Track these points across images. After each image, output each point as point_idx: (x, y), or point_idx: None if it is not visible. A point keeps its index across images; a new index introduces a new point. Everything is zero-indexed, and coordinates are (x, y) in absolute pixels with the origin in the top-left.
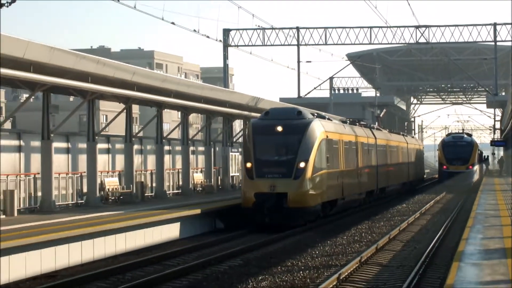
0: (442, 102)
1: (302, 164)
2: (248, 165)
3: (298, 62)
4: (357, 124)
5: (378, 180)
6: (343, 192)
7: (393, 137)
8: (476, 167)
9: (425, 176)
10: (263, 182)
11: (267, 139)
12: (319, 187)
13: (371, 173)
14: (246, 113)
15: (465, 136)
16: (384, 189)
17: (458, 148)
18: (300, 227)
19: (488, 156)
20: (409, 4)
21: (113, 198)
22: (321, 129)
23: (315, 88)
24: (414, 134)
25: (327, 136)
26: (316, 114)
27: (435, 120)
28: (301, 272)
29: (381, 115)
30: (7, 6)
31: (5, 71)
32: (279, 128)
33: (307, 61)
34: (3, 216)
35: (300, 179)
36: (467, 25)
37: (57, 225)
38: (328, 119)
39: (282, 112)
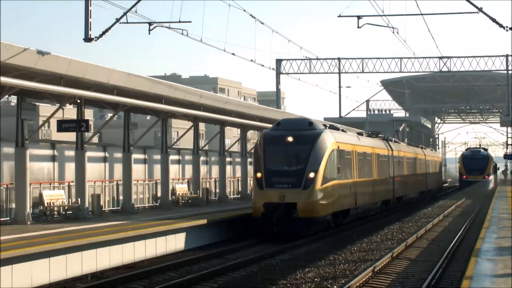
0: (462, 121)
1: (311, 175)
2: (258, 175)
3: (339, 87)
4: (374, 136)
5: (395, 189)
6: (356, 201)
7: (410, 149)
8: (491, 177)
9: (447, 184)
10: (272, 192)
11: (277, 149)
12: (329, 197)
13: (387, 182)
14: None
15: (482, 150)
16: (401, 198)
17: (475, 161)
18: (310, 237)
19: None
20: (433, 38)
21: (182, 201)
22: (331, 139)
23: (353, 109)
24: (438, 149)
25: (338, 147)
26: (328, 125)
27: (456, 137)
28: (341, 265)
29: (400, 129)
30: (96, 40)
31: (94, 94)
32: (290, 139)
33: (347, 87)
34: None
35: (309, 189)
36: (483, 56)
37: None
38: (342, 130)
39: (293, 122)
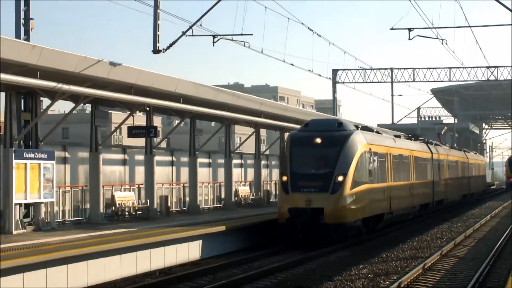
0: (509, 127)
1: (340, 178)
2: (284, 178)
3: (392, 95)
4: (413, 139)
5: (435, 192)
6: (391, 206)
7: (452, 153)
8: None
9: (494, 186)
10: (298, 197)
11: (304, 151)
12: (359, 202)
13: (426, 186)
14: None
15: None
16: (442, 201)
17: None
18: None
19: None
20: (480, 49)
21: (244, 202)
22: (362, 141)
23: (405, 116)
24: (486, 153)
25: (370, 149)
26: (360, 127)
27: (503, 142)
28: (393, 262)
29: (442, 133)
30: (163, 52)
31: (162, 102)
32: (317, 140)
33: (399, 95)
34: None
35: (338, 193)
36: None
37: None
38: (377, 132)
39: (322, 123)
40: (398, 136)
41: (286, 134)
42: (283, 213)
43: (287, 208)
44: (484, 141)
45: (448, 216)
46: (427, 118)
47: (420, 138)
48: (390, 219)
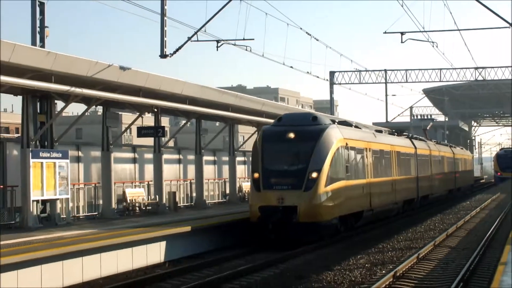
0: (496, 124)
1: (314, 174)
2: (255, 175)
3: (386, 95)
4: (396, 135)
5: (419, 188)
6: (371, 203)
7: (438, 148)
8: None
9: (483, 180)
10: (270, 194)
11: (276, 147)
12: (336, 199)
13: (410, 181)
14: None
15: None
16: (427, 196)
17: (508, 159)
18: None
19: None
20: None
21: (248, 197)
22: (338, 136)
23: (398, 115)
24: (475, 149)
25: (346, 144)
26: (337, 121)
27: (491, 138)
28: (389, 252)
29: (427, 128)
30: (170, 56)
31: (169, 104)
32: (290, 135)
33: (392, 95)
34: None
35: (311, 190)
36: None
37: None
38: (356, 127)
39: (296, 117)
40: (380, 131)
41: None
42: (254, 212)
43: (258, 206)
44: (473, 138)
45: (440, 208)
46: (419, 117)
47: (404, 133)
48: (370, 216)
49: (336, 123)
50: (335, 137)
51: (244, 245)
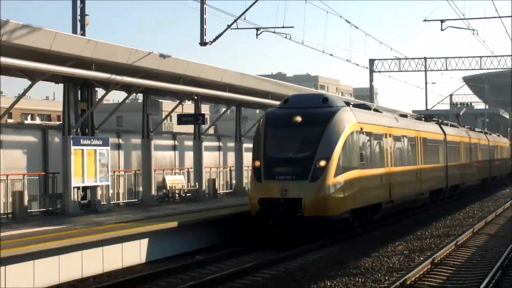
0: None
1: (322, 163)
2: (257, 163)
3: (426, 83)
4: (423, 119)
5: (449, 177)
6: (390, 194)
7: (470, 134)
8: None
9: None
10: (272, 185)
11: (280, 131)
12: (347, 191)
13: (438, 170)
14: None
15: None
16: (458, 186)
17: None
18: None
19: None
20: (510, 38)
21: None
22: (352, 119)
23: (438, 103)
24: None
25: (361, 129)
26: (352, 103)
27: None
28: (427, 239)
29: (460, 114)
30: (210, 44)
31: (209, 91)
32: (297, 118)
33: (432, 83)
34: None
35: (319, 181)
36: None
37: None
38: (376, 110)
39: (305, 99)
40: (405, 116)
41: None
42: (254, 205)
43: (258, 198)
44: None
45: (479, 196)
46: (459, 105)
47: (434, 119)
48: (390, 208)
49: (350, 105)
50: (348, 121)
51: None
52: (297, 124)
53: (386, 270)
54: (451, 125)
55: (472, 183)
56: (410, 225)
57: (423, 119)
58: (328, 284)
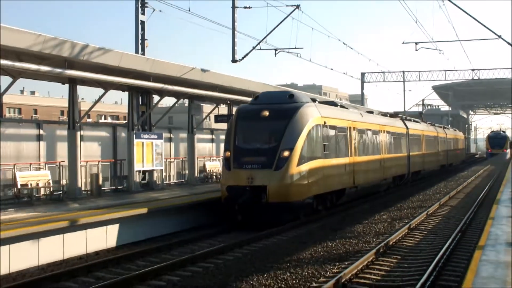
0: (488, 113)
1: (286, 153)
2: (227, 154)
3: (404, 91)
4: (388, 116)
5: (411, 165)
6: (354, 180)
7: (430, 129)
8: (508, 151)
9: (477, 156)
10: (240, 174)
11: (250, 125)
12: (310, 178)
13: (401, 159)
14: None
15: (502, 132)
16: (419, 172)
17: (497, 139)
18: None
19: None
20: (467, 56)
21: None
22: (315, 114)
23: (413, 106)
24: (471, 132)
25: (325, 123)
26: (318, 100)
27: (484, 123)
28: (405, 210)
29: (423, 112)
30: (239, 61)
31: (238, 97)
32: (264, 113)
33: (409, 90)
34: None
35: (282, 169)
36: (505, 68)
37: None
38: (343, 106)
39: (273, 96)
40: (371, 112)
41: None
42: (223, 192)
43: (226, 186)
44: (470, 123)
45: (444, 177)
46: (429, 107)
47: (399, 116)
48: (353, 193)
49: (316, 101)
50: (311, 115)
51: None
52: (264, 118)
53: (374, 234)
54: (414, 121)
55: (432, 169)
56: (392, 199)
57: (388, 115)
58: (330, 244)
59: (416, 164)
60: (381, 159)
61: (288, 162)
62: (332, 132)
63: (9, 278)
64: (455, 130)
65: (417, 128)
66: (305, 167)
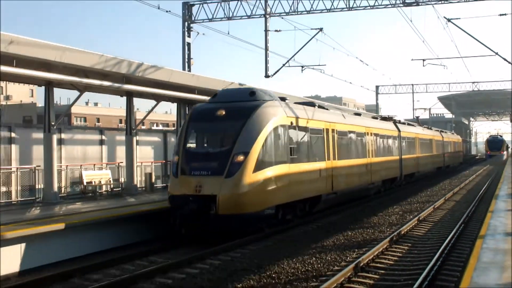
0: (486, 119)
1: (240, 157)
2: (175, 158)
3: (413, 101)
4: (378, 119)
5: (403, 167)
6: (332, 186)
7: (425, 132)
8: (505, 153)
9: (478, 157)
10: (188, 181)
11: (202, 126)
12: (270, 185)
13: (392, 162)
14: None
15: (499, 136)
16: (413, 174)
17: (495, 143)
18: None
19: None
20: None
21: None
22: (279, 113)
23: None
24: (472, 136)
25: (292, 123)
26: (287, 99)
27: (483, 129)
28: (415, 204)
29: (419, 117)
30: (271, 77)
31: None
32: (220, 112)
33: (417, 100)
34: None
35: (235, 176)
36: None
37: None
38: (321, 107)
39: (233, 93)
40: (359, 114)
41: None
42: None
43: (170, 195)
44: (471, 129)
45: (449, 175)
46: (435, 115)
47: (393, 119)
48: (332, 199)
49: (286, 100)
50: (273, 114)
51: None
52: (219, 118)
53: (388, 224)
54: (409, 124)
55: (427, 171)
56: (403, 195)
57: (379, 118)
58: (350, 233)
59: (410, 167)
60: (368, 162)
61: (243, 168)
62: (302, 134)
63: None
64: (453, 133)
65: (411, 131)
66: (265, 173)
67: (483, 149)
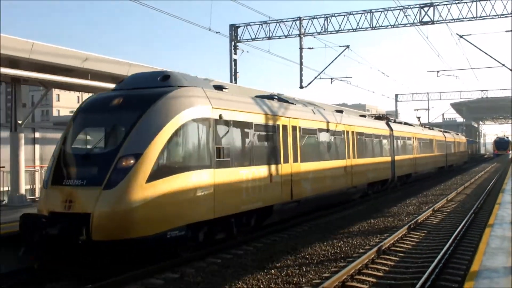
0: (494, 123)
1: (128, 161)
2: (50, 163)
3: (428, 108)
4: (366, 117)
5: (396, 168)
6: (292, 193)
7: (425, 132)
8: (510, 152)
9: (486, 156)
10: (56, 194)
11: (91, 119)
12: (176, 198)
13: (382, 163)
14: None
15: (505, 138)
16: (410, 175)
17: (501, 143)
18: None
19: None
20: (477, 80)
21: None
22: (198, 103)
23: (436, 118)
24: (481, 137)
25: (220, 117)
26: (226, 89)
27: (491, 131)
28: (430, 196)
29: (419, 117)
30: (305, 88)
31: None
32: (115, 102)
33: (432, 107)
34: None
35: (118, 187)
36: (508, 89)
37: None
38: (281, 100)
39: (144, 78)
40: (340, 112)
41: None
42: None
43: (22, 214)
44: (480, 131)
45: (460, 171)
46: (448, 119)
47: (388, 118)
48: (293, 208)
49: (222, 90)
50: (187, 105)
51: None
52: (112, 110)
53: (406, 214)
54: (405, 124)
55: (427, 171)
56: (419, 188)
57: (369, 117)
58: (372, 221)
59: (404, 168)
60: (348, 165)
61: (131, 175)
62: (237, 131)
63: None
64: (457, 134)
65: (406, 130)
66: (167, 182)
67: (491, 149)
